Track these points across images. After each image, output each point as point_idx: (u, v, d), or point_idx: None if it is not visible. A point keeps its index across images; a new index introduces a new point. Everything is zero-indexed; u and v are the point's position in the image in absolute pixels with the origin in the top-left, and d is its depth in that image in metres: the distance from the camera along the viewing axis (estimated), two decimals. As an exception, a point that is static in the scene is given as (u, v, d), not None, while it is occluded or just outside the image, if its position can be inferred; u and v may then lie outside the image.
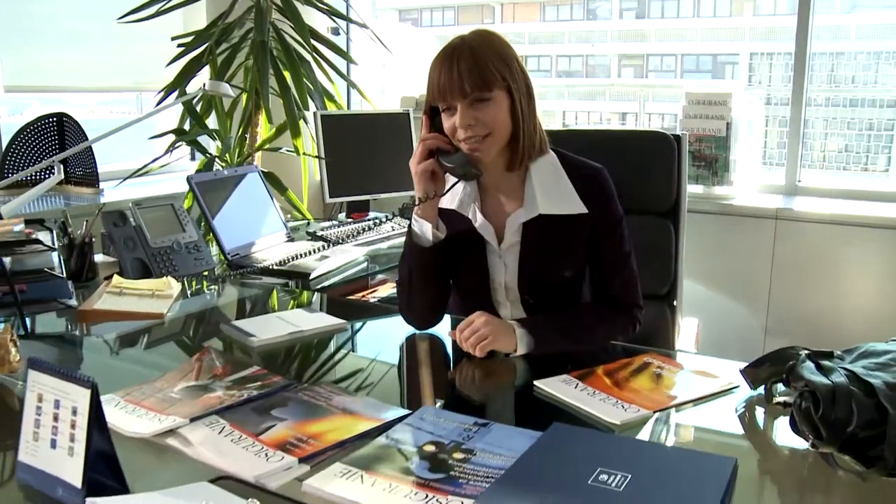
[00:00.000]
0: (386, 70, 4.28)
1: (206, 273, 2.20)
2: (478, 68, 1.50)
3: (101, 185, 3.07)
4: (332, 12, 3.17)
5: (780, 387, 1.29)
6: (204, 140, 3.10)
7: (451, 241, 1.64)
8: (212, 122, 3.10)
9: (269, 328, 1.67)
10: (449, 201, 1.67)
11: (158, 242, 2.12)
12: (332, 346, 1.70)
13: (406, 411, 1.25)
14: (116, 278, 1.95)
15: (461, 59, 1.51)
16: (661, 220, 2.15)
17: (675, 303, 2.16)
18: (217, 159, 3.01)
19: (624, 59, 6.16)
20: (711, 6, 5.52)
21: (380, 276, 2.77)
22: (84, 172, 3.12)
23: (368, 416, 1.24)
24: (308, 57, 3.06)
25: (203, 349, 1.53)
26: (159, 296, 1.89)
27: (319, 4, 3.10)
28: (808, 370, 1.16)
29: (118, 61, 3.51)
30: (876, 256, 2.87)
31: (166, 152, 2.89)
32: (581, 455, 1.08)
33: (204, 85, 2.37)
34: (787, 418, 1.19)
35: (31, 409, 1.04)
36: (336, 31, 3.74)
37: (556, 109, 5.39)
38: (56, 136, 3.06)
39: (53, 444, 1.02)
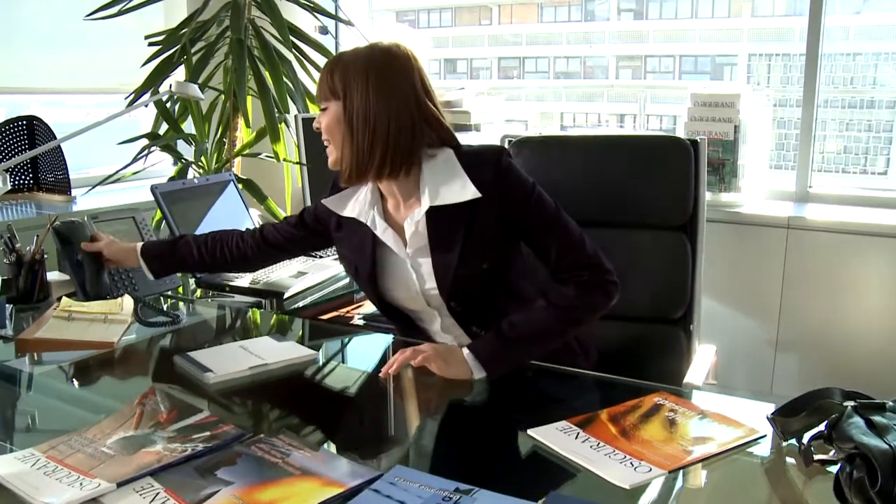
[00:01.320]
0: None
1: (170, 293, 2.00)
2: (323, 80, 1.54)
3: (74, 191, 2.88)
4: (316, 9, 2.97)
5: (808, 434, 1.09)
6: (183, 146, 2.90)
7: (347, 253, 1.67)
8: (190, 126, 2.90)
9: (228, 361, 1.47)
10: (350, 209, 1.62)
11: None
12: (298, 384, 1.49)
13: (375, 472, 1.05)
14: (65, 300, 1.75)
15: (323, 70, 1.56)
16: (676, 234, 1.94)
17: (691, 327, 1.94)
18: (194, 166, 2.80)
19: (622, 61, 6.03)
20: (710, 7, 5.42)
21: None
22: (56, 179, 2.93)
23: (330, 478, 1.03)
24: (290, 56, 2.85)
25: (149, 389, 1.32)
26: (112, 320, 1.69)
27: (304, 2, 2.90)
28: (858, 429, 0.96)
29: (104, 62, 3.33)
30: (890, 265, 2.67)
31: (136, 158, 2.67)
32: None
33: (171, 86, 2.17)
34: (830, 482, 0.99)
35: None
36: (324, 31, 3.54)
37: (554, 111, 5.26)
38: (26, 139, 2.87)
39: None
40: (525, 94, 5.33)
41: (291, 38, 2.77)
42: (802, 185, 3.07)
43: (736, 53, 4.61)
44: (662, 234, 1.95)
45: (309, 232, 1.77)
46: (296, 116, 2.76)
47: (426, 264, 1.57)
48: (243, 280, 2.07)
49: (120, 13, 2.61)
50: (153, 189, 2.11)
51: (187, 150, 2.87)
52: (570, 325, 1.56)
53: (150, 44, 2.81)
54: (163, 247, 1.84)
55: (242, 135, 2.95)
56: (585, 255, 1.55)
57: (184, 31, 2.73)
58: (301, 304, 2.08)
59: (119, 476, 1.03)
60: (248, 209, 2.39)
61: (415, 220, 1.54)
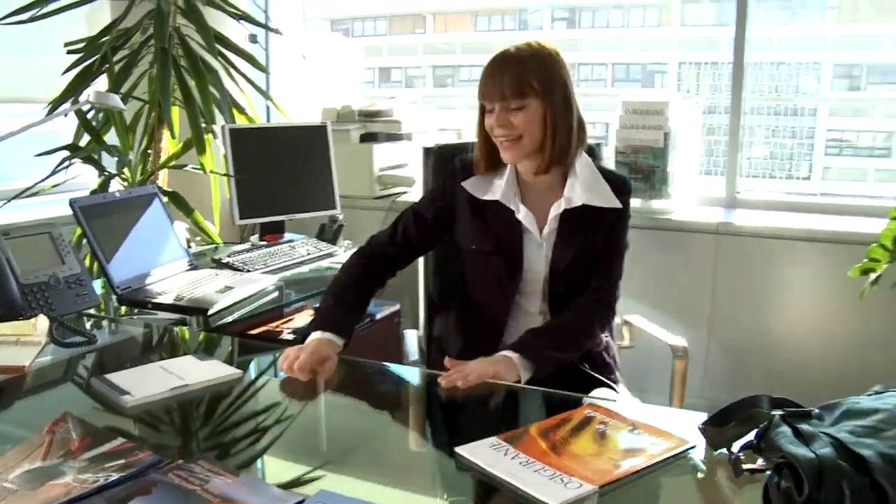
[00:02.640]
0: (310, 82, 4.02)
1: (89, 311, 1.91)
2: (517, 78, 1.64)
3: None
4: (244, 18, 2.91)
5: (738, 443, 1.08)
6: (107, 158, 2.79)
7: (490, 231, 1.78)
8: (113, 137, 2.79)
9: (148, 383, 1.40)
10: (490, 194, 1.77)
11: (31, 277, 1.82)
12: (222, 405, 1.43)
13: (298, 497, 1.00)
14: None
15: (505, 67, 1.66)
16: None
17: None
18: (118, 178, 2.71)
19: None
20: (641, 16, 5.49)
21: (296, 305, 2.52)
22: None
23: (250, 506, 0.99)
24: (217, 66, 2.78)
25: (61, 416, 1.25)
26: (24, 343, 1.61)
27: (228, 8, 2.83)
28: (786, 438, 0.95)
29: (24, 69, 3.21)
30: (817, 269, 2.72)
31: (55, 170, 2.57)
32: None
33: (89, 96, 2.08)
34: (760, 492, 0.98)
35: None
36: (254, 39, 3.47)
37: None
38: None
39: None
40: (459, 103, 5.28)
41: (218, 46, 2.70)
42: (731, 190, 3.13)
43: (666, 62, 4.67)
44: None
45: (433, 226, 1.86)
46: (223, 127, 2.68)
47: (550, 250, 1.76)
48: (167, 296, 2.00)
49: (32, 19, 2.51)
50: (72, 203, 2.01)
51: (111, 163, 2.77)
52: (585, 340, 1.77)
53: (70, 51, 2.70)
54: (348, 316, 1.75)
55: (168, 146, 2.86)
56: (615, 294, 1.82)
57: (105, 38, 2.64)
58: (229, 319, 2.01)
59: (22, 512, 0.96)
60: (172, 223, 2.31)
61: (561, 209, 1.74)
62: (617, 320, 2.02)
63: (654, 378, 2.11)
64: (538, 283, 1.79)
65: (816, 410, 1.04)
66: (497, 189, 1.77)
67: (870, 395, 1.06)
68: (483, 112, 1.72)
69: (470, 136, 3.64)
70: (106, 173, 2.73)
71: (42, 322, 1.68)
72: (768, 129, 3.48)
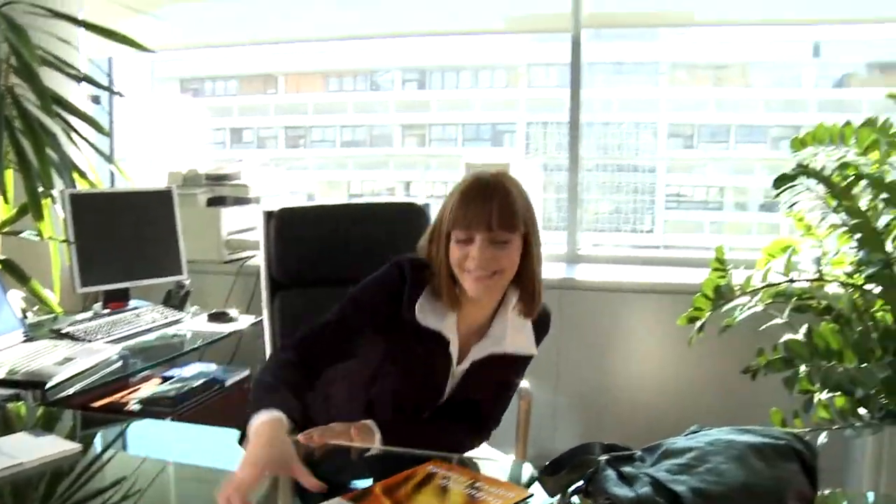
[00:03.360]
0: (158, 144, 3.97)
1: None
2: (508, 210, 1.54)
3: None
4: (87, 80, 2.86)
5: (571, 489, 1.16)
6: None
7: (420, 358, 1.66)
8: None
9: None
10: (432, 320, 1.64)
11: None
12: (62, 483, 1.39)
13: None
14: None
15: (495, 196, 1.54)
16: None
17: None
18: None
19: (407, 130, 6.24)
20: (489, 78, 5.75)
21: (142, 374, 2.46)
22: None
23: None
24: (55, 128, 2.71)
25: None
26: None
27: (70, 71, 2.78)
28: (611, 481, 1.03)
29: None
30: (654, 319, 2.91)
31: None
32: None
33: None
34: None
35: None
36: (96, 100, 3.41)
37: (341, 179, 5.43)
38: None
39: None
40: (312, 164, 5.40)
41: (56, 108, 2.64)
42: (572, 246, 3.30)
43: (514, 122, 4.90)
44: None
45: (352, 333, 1.68)
46: (62, 192, 2.61)
47: (456, 381, 1.69)
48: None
49: None
50: None
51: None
52: (446, 441, 1.60)
53: None
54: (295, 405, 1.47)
55: (2, 212, 2.75)
56: (500, 418, 1.78)
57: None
58: (69, 392, 1.94)
59: None
60: (5, 292, 2.22)
61: (486, 352, 1.66)
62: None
63: (503, 426, 2.19)
64: (420, 403, 1.71)
65: (639, 452, 1.14)
66: (436, 316, 1.63)
67: (686, 435, 1.17)
68: (447, 240, 1.58)
69: (322, 199, 3.67)
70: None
71: None
72: (612, 185, 3.72)
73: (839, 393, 2.01)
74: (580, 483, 1.14)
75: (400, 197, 4.72)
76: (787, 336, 2.14)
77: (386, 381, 1.68)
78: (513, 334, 1.66)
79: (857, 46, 3.71)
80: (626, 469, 1.07)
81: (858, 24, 3.29)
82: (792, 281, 2.15)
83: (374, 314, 1.65)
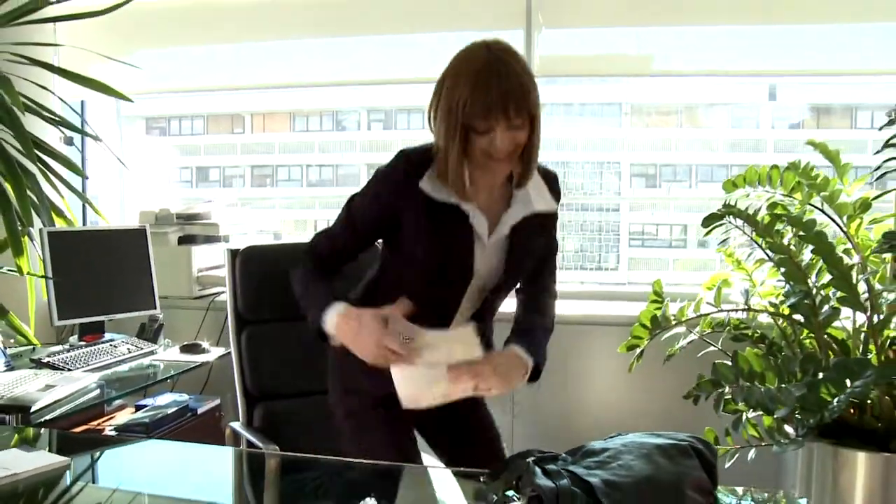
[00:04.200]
0: (127, 182, 4.13)
1: None
2: (522, 95, 1.62)
3: None
4: (62, 123, 3.03)
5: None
6: None
7: (441, 235, 1.75)
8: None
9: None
10: (446, 195, 1.73)
11: None
12: (53, 492, 1.55)
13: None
14: None
15: (508, 81, 1.60)
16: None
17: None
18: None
19: (372, 169, 6.41)
20: None
21: (117, 403, 2.60)
22: None
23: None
24: (34, 169, 2.88)
25: None
26: None
27: (48, 115, 2.95)
28: (536, 475, 1.22)
29: None
30: (608, 351, 3.11)
31: None
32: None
33: None
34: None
35: None
36: (70, 142, 3.57)
37: (308, 218, 5.58)
38: None
39: None
40: (279, 203, 5.52)
41: (36, 151, 2.81)
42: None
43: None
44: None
45: (373, 230, 1.84)
46: (41, 230, 2.78)
47: (496, 255, 1.80)
48: (-15, 396, 2.07)
49: None
50: None
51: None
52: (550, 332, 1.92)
53: None
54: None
55: (-21, 248, 2.90)
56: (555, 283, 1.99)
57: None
58: (50, 416, 2.09)
59: None
60: (-11, 323, 2.37)
61: (517, 217, 1.79)
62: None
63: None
64: (477, 287, 1.82)
65: (563, 454, 1.33)
66: (449, 194, 1.73)
67: (605, 438, 1.37)
68: (463, 130, 1.64)
69: (288, 237, 3.84)
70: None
71: None
72: (577, 223, 3.93)
73: (762, 413, 2.21)
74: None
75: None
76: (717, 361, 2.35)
77: (416, 276, 1.79)
78: (535, 196, 1.82)
79: (809, 90, 3.99)
80: (550, 467, 1.27)
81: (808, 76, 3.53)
82: (721, 311, 2.36)
83: (381, 208, 1.77)
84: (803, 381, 2.16)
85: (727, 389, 2.20)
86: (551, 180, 1.89)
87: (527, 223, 1.80)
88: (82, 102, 3.99)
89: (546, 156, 3.64)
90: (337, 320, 1.68)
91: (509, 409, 3.19)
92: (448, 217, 1.74)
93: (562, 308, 3.23)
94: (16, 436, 1.95)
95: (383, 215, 1.77)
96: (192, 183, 5.48)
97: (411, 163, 1.75)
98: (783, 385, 2.16)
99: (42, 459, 1.60)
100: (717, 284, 2.46)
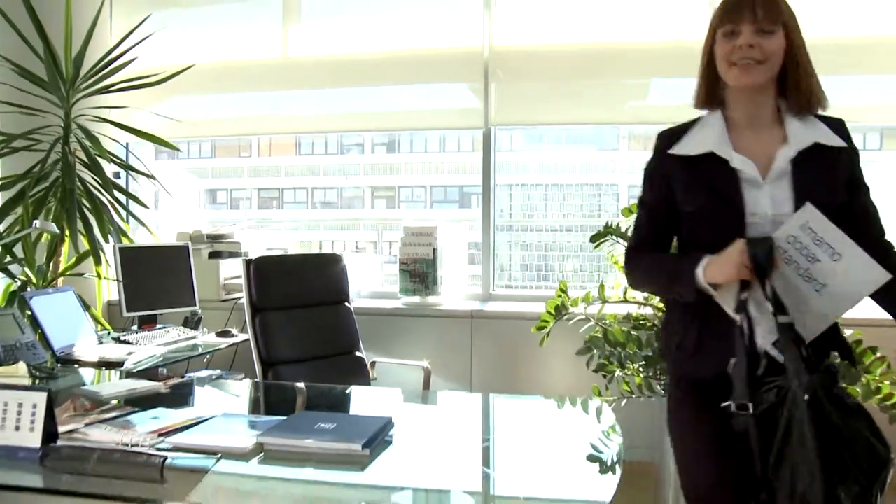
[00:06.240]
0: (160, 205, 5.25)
1: (40, 364, 3.08)
2: (774, 6, 1.82)
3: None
4: (124, 166, 4.20)
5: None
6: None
7: (703, 183, 1.90)
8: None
9: (110, 388, 2.62)
10: (700, 146, 1.92)
11: (5, 342, 2.98)
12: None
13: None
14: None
15: None
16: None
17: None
18: (26, 283, 3.86)
19: (377, 191, 6.57)
20: (456, 142, 6.40)
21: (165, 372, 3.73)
22: None
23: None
24: (105, 200, 4.03)
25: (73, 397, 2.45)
26: (14, 376, 2.77)
27: (115, 160, 4.12)
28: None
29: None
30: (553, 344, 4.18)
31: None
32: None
33: (35, 223, 3.30)
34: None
35: None
36: (117, 176, 4.71)
37: (313, 239, 6.20)
38: None
39: (17, 428, 1.93)
40: (285, 225, 6.19)
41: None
42: (486, 288, 4.61)
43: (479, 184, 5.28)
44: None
45: (664, 208, 2.01)
46: (115, 246, 3.91)
47: (783, 193, 1.85)
48: (91, 357, 3.18)
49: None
50: (23, 296, 3.21)
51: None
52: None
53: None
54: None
55: (63, 259, 4.04)
56: (884, 229, 1.97)
57: (26, 181, 3.85)
58: (135, 371, 3.20)
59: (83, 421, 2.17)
60: (85, 311, 3.50)
61: (792, 152, 1.85)
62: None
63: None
64: (773, 228, 1.83)
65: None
66: (706, 140, 1.91)
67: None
68: (713, 38, 1.88)
69: (295, 249, 4.96)
70: (17, 279, 3.87)
71: (21, 367, 2.86)
72: (577, 244, 4.69)
73: (631, 371, 3.32)
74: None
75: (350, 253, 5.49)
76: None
77: (697, 231, 1.93)
78: (814, 131, 1.87)
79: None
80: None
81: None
82: (605, 302, 3.48)
83: (658, 189, 2.00)
84: (651, 348, 3.29)
85: (596, 353, 3.32)
86: (835, 123, 1.91)
87: (812, 158, 1.85)
88: (126, 144, 5.10)
89: (544, 178, 4.67)
90: (706, 263, 1.83)
91: (467, 387, 4.29)
92: (707, 167, 1.89)
93: (499, 307, 4.33)
94: (118, 376, 3.07)
95: (662, 194, 1.99)
96: (202, 204, 6.12)
97: (663, 136, 2.00)
98: (637, 350, 3.28)
99: (145, 384, 2.72)
100: (601, 284, 3.59)
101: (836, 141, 1.87)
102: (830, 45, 3.89)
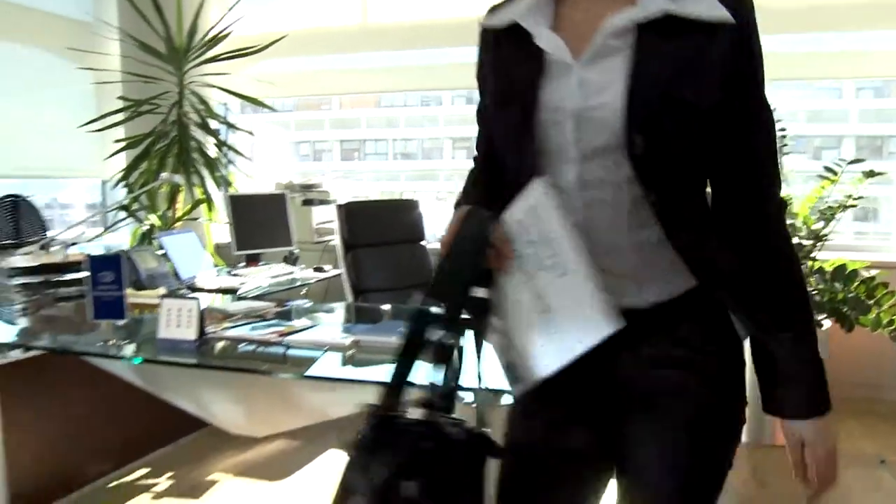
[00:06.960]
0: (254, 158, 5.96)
1: (174, 290, 3.82)
2: None
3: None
4: (228, 125, 4.93)
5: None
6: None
7: (502, 68, 1.35)
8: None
9: (234, 306, 3.34)
10: (508, 15, 1.33)
11: (146, 272, 3.74)
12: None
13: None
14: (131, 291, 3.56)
15: None
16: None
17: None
18: (153, 227, 4.63)
19: (457, 143, 6.61)
20: None
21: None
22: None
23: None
24: (215, 154, 4.77)
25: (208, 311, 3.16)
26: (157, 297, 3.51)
27: (222, 121, 4.85)
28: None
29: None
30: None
31: (111, 226, 4.48)
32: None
33: (162, 176, 4.05)
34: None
35: (165, 312, 2.68)
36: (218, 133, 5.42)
37: (395, 190, 6.58)
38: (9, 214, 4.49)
39: (178, 325, 2.65)
40: (366, 176, 6.59)
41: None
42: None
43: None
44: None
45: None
46: (225, 195, 4.64)
47: (604, 74, 1.22)
48: (213, 284, 3.92)
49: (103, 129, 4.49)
50: (159, 237, 3.97)
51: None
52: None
53: (115, 140, 4.66)
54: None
55: (180, 206, 4.80)
56: (778, 179, 1.30)
57: (149, 139, 4.61)
58: (248, 296, 3.93)
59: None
60: (204, 248, 4.25)
61: (622, 21, 1.21)
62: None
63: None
64: (595, 133, 1.21)
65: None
66: (517, 7, 1.31)
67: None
68: None
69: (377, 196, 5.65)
70: (145, 223, 4.64)
71: (161, 291, 3.60)
72: None
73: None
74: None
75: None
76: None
77: (497, 134, 1.38)
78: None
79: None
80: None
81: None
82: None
83: (482, 73, 1.42)
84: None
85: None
86: None
87: (671, 34, 1.19)
88: (225, 105, 5.80)
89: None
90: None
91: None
92: (509, 45, 1.33)
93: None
94: (231, 300, 3.78)
95: (481, 86, 1.45)
96: (289, 156, 6.52)
97: (490, 9, 1.40)
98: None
99: (258, 304, 3.43)
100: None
101: (716, 13, 1.19)
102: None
